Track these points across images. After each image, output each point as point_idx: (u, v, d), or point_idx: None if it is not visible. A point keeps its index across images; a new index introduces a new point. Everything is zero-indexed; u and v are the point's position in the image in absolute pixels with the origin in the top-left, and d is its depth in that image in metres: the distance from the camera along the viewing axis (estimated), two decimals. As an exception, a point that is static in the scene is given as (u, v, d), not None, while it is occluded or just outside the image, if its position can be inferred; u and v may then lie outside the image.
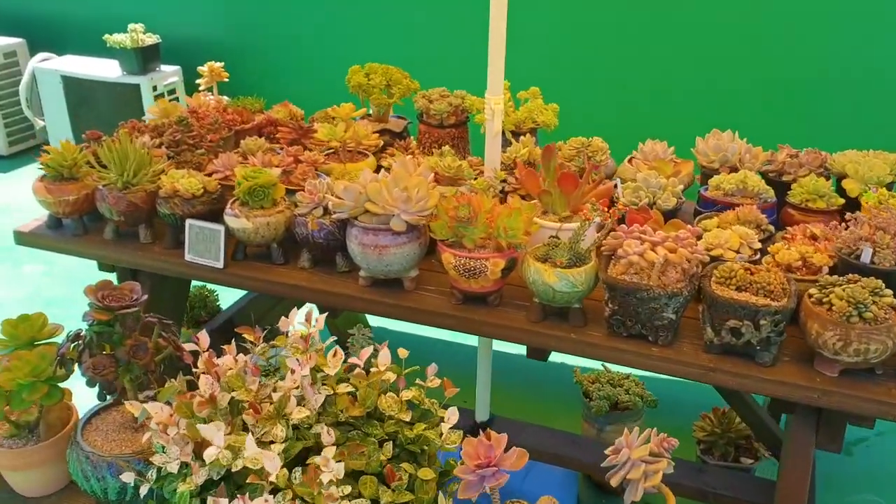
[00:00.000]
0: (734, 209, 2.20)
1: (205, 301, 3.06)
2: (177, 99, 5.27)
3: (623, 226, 1.94)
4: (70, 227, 2.41)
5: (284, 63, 5.09)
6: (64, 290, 3.95)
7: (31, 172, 5.62)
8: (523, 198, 2.36)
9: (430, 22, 4.43)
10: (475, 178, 2.29)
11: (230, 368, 1.71)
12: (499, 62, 2.24)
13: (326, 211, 2.16)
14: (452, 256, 1.97)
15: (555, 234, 2.08)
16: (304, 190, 2.21)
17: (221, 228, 2.20)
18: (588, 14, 4.00)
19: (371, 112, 2.87)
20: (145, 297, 1.83)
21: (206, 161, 2.52)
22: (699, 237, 1.96)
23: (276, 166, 2.36)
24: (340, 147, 2.47)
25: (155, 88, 5.10)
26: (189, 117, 2.55)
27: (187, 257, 2.26)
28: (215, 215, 2.29)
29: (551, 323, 1.98)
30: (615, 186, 2.27)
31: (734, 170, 2.47)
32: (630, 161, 2.59)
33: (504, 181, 2.33)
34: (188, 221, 2.23)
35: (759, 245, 2.03)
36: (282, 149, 2.58)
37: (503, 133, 2.58)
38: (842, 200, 2.26)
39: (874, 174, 2.30)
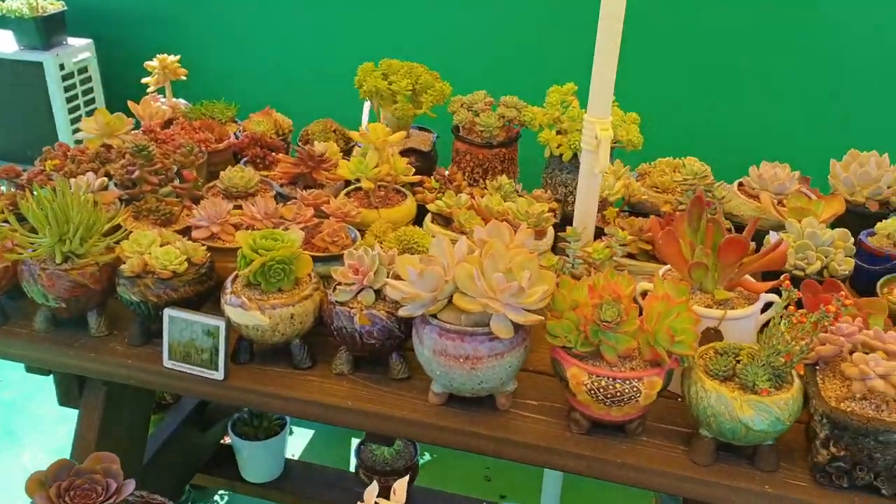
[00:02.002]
0: (921, 270, 1.63)
1: (167, 376, 2.32)
2: (89, 80, 4.36)
3: (841, 326, 1.33)
4: (-19, 314, 1.65)
5: (243, 45, 3.54)
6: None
7: None
8: (631, 256, 1.73)
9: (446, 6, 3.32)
10: (576, 239, 1.63)
11: None
12: (608, 71, 1.58)
13: (379, 295, 1.48)
14: (586, 375, 1.33)
15: (715, 328, 1.46)
16: (339, 261, 1.53)
17: (222, 324, 1.49)
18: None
19: (387, 125, 2.16)
20: (131, 485, 1.12)
21: (179, 208, 1.78)
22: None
23: (289, 220, 1.65)
24: (373, 188, 1.77)
25: (62, 67, 4.19)
26: (147, 141, 1.80)
27: (167, 363, 1.54)
28: (203, 298, 1.58)
29: (728, 466, 1.37)
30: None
31: (885, 206, 1.90)
32: (740, 190, 1.98)
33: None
34: (168, 313, 1.51)
35: None
36: (283, 186, 1.87)
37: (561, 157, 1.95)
38: None
39: None
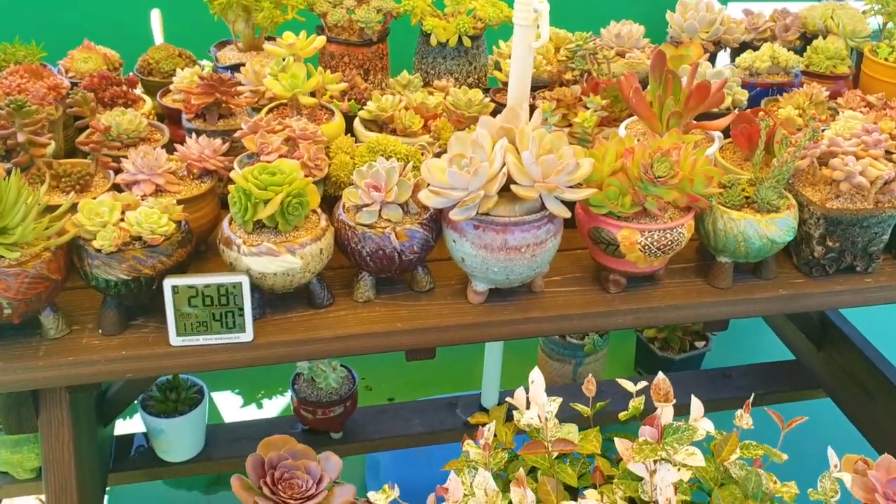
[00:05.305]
0: (784, 93, 1.92)
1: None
2: None
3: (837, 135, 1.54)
4: None
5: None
6: None
7: None
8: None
9: None
10: (552, 114, 1.63)
11: None
12: (539, -56, 1.58)
13: (406, 211, 1.39)
14: (639, 234, 1.40)
15: (695, 168, 1.60)
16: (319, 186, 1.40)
17: (244, 279, 1.30)
18: None
19: (240, 41, 1.94)
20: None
21: (93, 167, 1.47)
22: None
23: (255, 155, 1.45)
24: (316, 103, 1.60)
25: None
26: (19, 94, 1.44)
27: (176, 341, 1.32)
28: (183, 264, 1.35)
29: (742, 284, 1.54)
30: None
31: (717, 45, 2.16)
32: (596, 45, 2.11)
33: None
34: (169, 283, 1.28)
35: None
36: (192, 120, 1.62)
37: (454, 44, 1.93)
38: (850, 61, 2.10)
39: (855, 27, 2.17)
